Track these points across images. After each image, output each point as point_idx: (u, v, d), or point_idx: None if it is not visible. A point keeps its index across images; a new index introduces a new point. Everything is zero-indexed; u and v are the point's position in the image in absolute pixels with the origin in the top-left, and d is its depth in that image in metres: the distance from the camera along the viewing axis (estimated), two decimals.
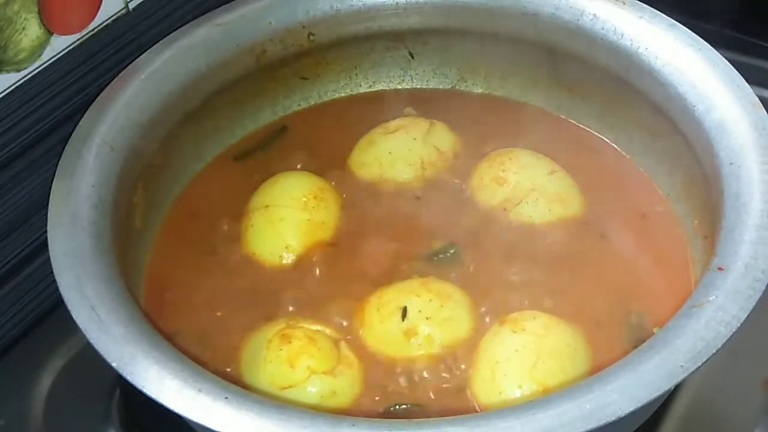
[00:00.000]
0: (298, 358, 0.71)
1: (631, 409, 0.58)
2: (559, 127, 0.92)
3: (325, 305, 0.77)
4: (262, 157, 0.91)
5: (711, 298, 0.63)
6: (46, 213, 0.72)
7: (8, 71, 0.77)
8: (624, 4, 0.84)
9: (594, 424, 0.57)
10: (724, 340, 0.61)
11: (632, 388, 0.59)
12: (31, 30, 0.78)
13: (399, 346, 0.73)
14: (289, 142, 0.92)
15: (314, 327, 0.74)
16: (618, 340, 0.74)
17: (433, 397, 0.71)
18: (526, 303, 0.75)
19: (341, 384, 0.71)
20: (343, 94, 0.97)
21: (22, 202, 0.83)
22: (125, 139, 0.79)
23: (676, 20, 0.83)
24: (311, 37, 0.91)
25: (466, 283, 0.77)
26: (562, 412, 0.58)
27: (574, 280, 0.78)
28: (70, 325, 0.65)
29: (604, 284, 0.78)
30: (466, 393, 0.71)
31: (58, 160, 0.76)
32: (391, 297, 0.74)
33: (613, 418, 0.58)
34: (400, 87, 0.98)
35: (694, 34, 0.81)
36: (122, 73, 0.83)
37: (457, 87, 0.97)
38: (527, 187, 0.82)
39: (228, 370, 0.74)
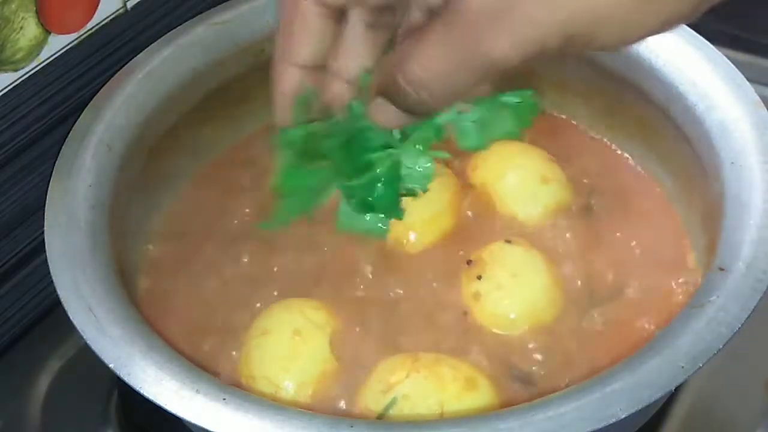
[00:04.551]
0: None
1: (632, 410, 0.58)
2: (559, 126, 0.91)
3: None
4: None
5: (712, 298, 0.63)
6: (44, 213, 0.72)
7: (5, 71, 0.77)
8: None
9: (594, 426, 0.57)
10: (725, 341, 0.61)
11: (632, 389, 0.59)
12: (28, 29, 0.77)
13: None
14: None
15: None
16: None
17: None
18: None
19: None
20: None
21: (20, 203, 0.83)
22: (123, 139, 0.78)
23: None
24: None
25: None
26: (561, 413, 0.58)
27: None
28: (67, 326, 0.65)
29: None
30: None
31: (56, 160, 0.76)
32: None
33: (614, 420, 0.57)
34: None
35: (694, 33, 0.81)
36: (120, 72, 0.82)
37: None
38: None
39: (225, 370, 0.73)
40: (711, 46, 0.80)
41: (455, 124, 0.57)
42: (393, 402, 0.68)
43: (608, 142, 0.89)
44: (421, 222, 0.81)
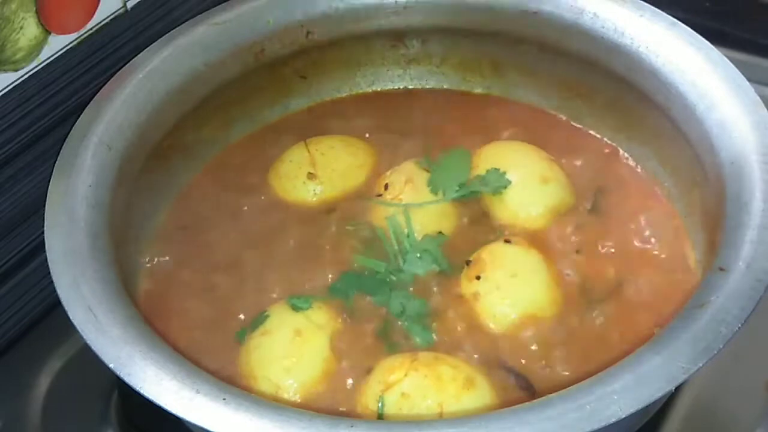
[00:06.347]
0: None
1: (632, 410, 0.58)
2: (559, 126, 0.91)
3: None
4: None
5: (712, 298, 0.63)
6: (44, 213, 0.72)
7: (6, 70, 0.77)
8: (624, 2, 0.84)
9: (594, 426, 0.57)
10: (725, 341, 0.61)
11: (633, 389, 0.59)
12: (29, 29, 0.77)
13: None
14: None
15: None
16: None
17: None
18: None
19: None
20: (342, 94, 0.97)
21: (20, 203, 0.83)
22: (123, 139, 0.78)
23: (677, 18, 0.82)
24: (310, 36, 0.90)
25: None
26: (562, 412, 0.58)
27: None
28: (68, 326, 0.65)
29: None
30: None
31: (56, 160, 0.76)
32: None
33: (614, 420, 0.57)
34: (399, 86, 0.98)
35: (694, 33, 0.81)
36: (120, 72, 0.82)
37: (457, 87, 0.97)
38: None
39: (226, 370, 0.73)
40: (711, 46, 0.80)
41: None
42: (383, 403, 0.68)
43: (608, 142, 0.89)
44: (420, 223, 0.81)
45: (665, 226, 0.82)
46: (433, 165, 0.84)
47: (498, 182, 0.82)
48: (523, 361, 0.72)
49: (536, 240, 0.80)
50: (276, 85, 0.93)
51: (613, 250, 0.80)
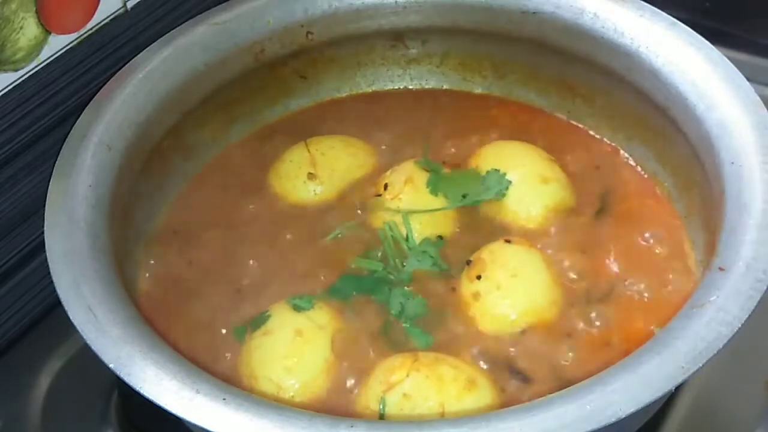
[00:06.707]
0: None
1: (632, 410, 0.58)
2: (559, 126, 0.91)
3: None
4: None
5: (712, 298, 0.63)
6: (44, 213, 0.72)
7: (6, 70, 0.77)
8: (624, 2, 0.84)
9: (594, 425, 0.57)
10: (725, 341, 0.61)
11: (633, 388, 0.59)
12: (28, 29, 0.77)
13: None
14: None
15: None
16: None
17: None
18: None
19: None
20: (342, 94, 0.97)
21: (20, 203, 0.83)
22: (123, 139, 0.79)
23: (677, 18, 0.82)
24: (310, 36, 0.90)
25: None
26: (562, 413, 0.58)
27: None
28: (68, 326, 0.65)
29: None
30: None
31: (56, 160, 0.76)
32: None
33: (614, 419, 0.58)
34: (399, 86, 0.98)
35: (694, 33, 0.81)
36: (120, 72, 0.83)
37: (457, 87, 0.97)
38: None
39: (226, 370, 0.74)
40: (711, 46, 0.80)
41: None
42: (384, 404, 0.68)
43: (608, 142, 0.89)
44: (420, 222, 0.81)
45: (665, 226, 0.82)
46: (438, 168, 0.84)
47: (500, 185, 0.81)
48: (524, 361, 0.72)
49: (536, 240, 0.80)
50: (276, 85, 0.93)
51: (612, 250, 0.80)
